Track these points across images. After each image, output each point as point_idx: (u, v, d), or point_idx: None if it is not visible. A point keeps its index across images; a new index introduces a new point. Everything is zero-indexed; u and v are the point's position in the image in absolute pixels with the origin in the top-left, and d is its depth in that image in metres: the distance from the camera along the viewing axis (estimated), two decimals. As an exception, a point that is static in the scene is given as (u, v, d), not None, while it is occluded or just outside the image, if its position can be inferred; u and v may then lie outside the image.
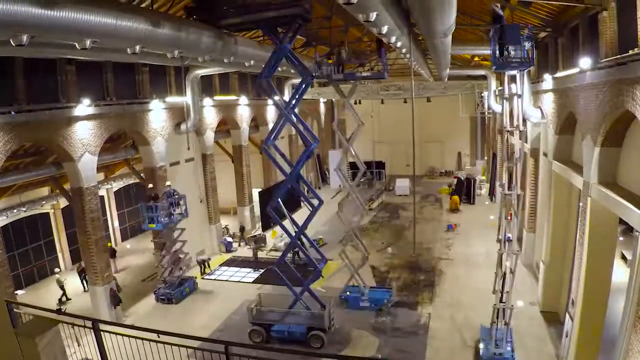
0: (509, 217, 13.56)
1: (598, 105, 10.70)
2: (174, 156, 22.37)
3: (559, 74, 15.12)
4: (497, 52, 12.06)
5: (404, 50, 17.93)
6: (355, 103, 42.82)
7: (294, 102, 16.07)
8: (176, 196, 19.54)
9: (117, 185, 27.16)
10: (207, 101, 24.37)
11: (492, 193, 35.01)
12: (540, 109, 17.54)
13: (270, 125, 16.38)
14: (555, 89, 15.42)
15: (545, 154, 18.14)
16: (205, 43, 13.01)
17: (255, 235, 26.37)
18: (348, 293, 18.15)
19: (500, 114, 31.02)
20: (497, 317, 13.14)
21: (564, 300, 15.29)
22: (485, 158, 42.50)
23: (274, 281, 18.96)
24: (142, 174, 21.85)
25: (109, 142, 19.28)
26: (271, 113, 31.69)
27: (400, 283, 20.22)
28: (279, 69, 17.02)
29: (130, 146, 21.32)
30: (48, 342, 5.12)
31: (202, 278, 21.88)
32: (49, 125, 15.24)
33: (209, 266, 22.90)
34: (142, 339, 5.41)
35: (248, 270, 22.70)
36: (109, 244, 25.35)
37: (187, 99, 21.35)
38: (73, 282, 21.91)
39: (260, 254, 24.31)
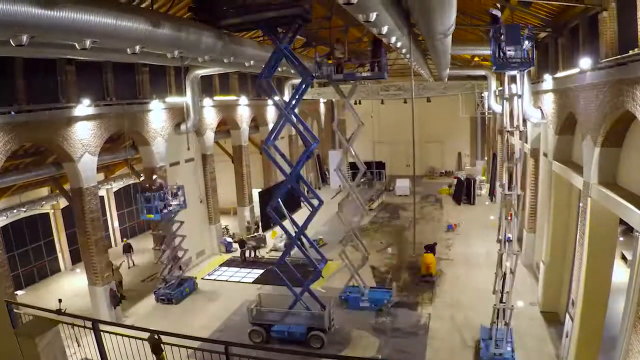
0: (509, 218, 13.56)
1: (598, 105, 10.70)
2: (173, 156, 22.37)
3: (559, 74, 15.11)
4: (497, 52, 12.08)
5: (404, 51, 17.93)
6: (355, 103, 42.86)
7: (294, 102, 16.07)
8: (174, 187, 19.43)
9: (117, 185, 27.15)
10: (207, 101, 24.37)
11: (492, 193, 35.01)
12: (541, 109, 17.54)
13: (270, 126, 16.37)
14: (556, 89, 15.42)
15: (545, 154, 18.14)
16: (205, 43, 13.01)
17: (255, 236, 26.37)
18: (348, 293, 18.14)
19: (501, 114, 31.10)
20: (497, 318, 13.14)
21: (564, 301, 15.28)
22: (486, 158, 42.50)
23: (274, 281, 18.95)
24: (142, 174, 21.85)
25: (109, 143, 19.27)
26: (271, 113, 31.68)
27: (400, 283, 20.19)
28: (279, 69, 17.00)
29: (130, 146, 21.32)
30: (48, 343, 5.12)
31: (204, 277, 21.90)
32: (49, 126, 15.23)
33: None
34: (142, 339, 5.41)
35: (248, 270, 22.70)
36: (124, 240, 25.64)
37: (187, 99, 21.35)
38: (73, 283, 21.95)
39: (258, 254, 24.31)
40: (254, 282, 21.27)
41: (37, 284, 22.34)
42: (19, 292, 19.24)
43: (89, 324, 5.44)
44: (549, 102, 16.46)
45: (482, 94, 36.08)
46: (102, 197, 25.09)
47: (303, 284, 15.76)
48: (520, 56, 12.03)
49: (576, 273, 12.56)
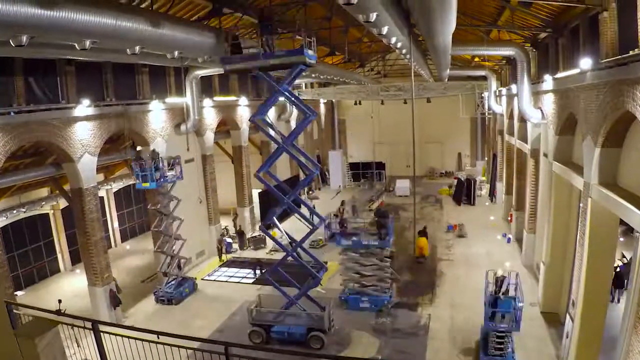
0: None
1: (598, 105, 10.69)
2: (173, 157, 22.35)
3: (560, 75, 15.12)
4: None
5: (404, 51, 17.94)
6: (355, 104, 43.03)
7: (293, 136, 16.02)
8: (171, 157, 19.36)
9: (116, 186, 27.13)
10: (207, 102, 24.37)
11: (492, 194, 35.01)
12: (541, 110, 17.55)
13: (270, 129, 16.46)
14: (556, 90, 15.42)
15: (545, 155, 18.13)
16: (206, 44, 13.02)
17: (255, 236, 26.36)
18: (348, 294, 18.13)
19: (501, 115, 31.19)
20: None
21: (565, 301, 15.27)
22: (486, 159, 42.52)
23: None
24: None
25: (109, 143, 19.27)
26: (271, 114, 31.66)
27: (401, 284, 20.18)
28: (279, 71, 16.97)
29: (130, 147, 21.31)
30: (48, 343, 5.11)
31: (202, 279, 21.90)
32: (49, 126, 15.22)
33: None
34: (142, 340, 5.39)
35: (248, 270, 22.68)
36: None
37: (186, 99, 21.35)
38: (73, 284, 21.93)
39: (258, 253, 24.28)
40: (254, 283, 21.25)
41: (36, 284, 22.32)
42: (19, 293, 19.23)
43: (88, 324, 5.42)
44: (549, 102, 16.45)
45: (482, 95, 36.11)
46: (101, 198, 25.08)
47: (301, 288, 15.80)
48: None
49: (576, 274, 12.55)
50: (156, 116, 20.59)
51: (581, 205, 12.34)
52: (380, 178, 43.68)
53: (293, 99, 15.80)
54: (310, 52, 14.03)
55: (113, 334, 5.55)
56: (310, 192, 38.89)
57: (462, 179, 35.77)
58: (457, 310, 17.31)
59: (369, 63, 41.76)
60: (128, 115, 18.70)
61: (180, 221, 20.08)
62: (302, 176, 29.81)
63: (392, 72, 43.27)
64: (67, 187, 18.60)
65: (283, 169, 33.02)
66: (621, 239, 17.26)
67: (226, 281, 21.79)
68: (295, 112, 34.91)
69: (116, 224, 28.37)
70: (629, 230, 17.46)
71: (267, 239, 25.92)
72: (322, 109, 44.93)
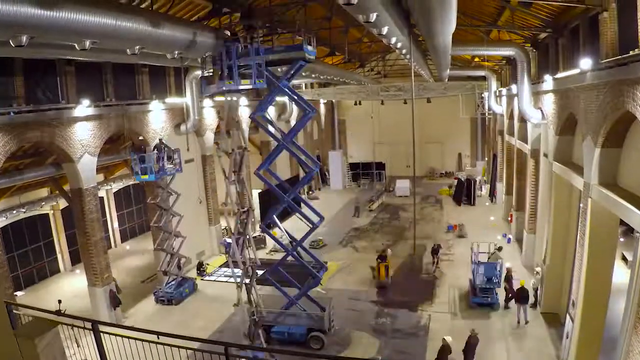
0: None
1: (598, 106, 10.69)
2: (173, 157, 22.36)
3: (560, 75, 15.11)
4: None
5: (404, 51, 17.94)
6: (355, 104, 43.04)
7: (293, 133, 16.10)
8: (167, 149, 19.17)
9: (116, 186, 27.12)
10: (207, 102, 24.37)
11: (492, 194, 35.00)
12: (541, 110, 17.55)
13: (270, 126, 16.40)
14: (556, 90, 15.41)
15: (545, 155, 18.12)
16: (205, 44, 13.02)
17: (255, 237, 26.32)
18: None
19: (501, 115, 31.19)
20: None
21: (565, 302, 15.26)
22: (486, 159, 42.52)
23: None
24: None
25: (109, 143, 19.27)
26: (271, 113, 31.67)
27: (401, 285, 20.17)
28: (278, 69, 16.97)
29: (130, 147, 21.30)
30: (47, 344, 5.10)
31: (202, 279, 21.87)
32: (49, 126, 15.22)
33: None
34: (142, 340, 5.38)
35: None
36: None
37: (186, 99, 21.34)
38: (72, 284, 21.92)
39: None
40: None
41: (36, 284, 22.31)
42: (19, 293, 19.21)
43: (88, 324, 5.41)
44: (549, 102, 16.45)
45: (483, 95, 36.13)
46: (101, 198, 25.07)
47: (301, 287, 15.79)
48: None
49: (576, 274, 12.55)
50: (156, 116, 20.59)
51: (581, 205, 12.33)
52: (380, 178, 43.70)
53: (292, 94, 15.79)
54: (309, 47, 14.02)
55: (113, 334, 5.54)
56: (310, 192, 38.90)
57: (462, 179, 35.79)
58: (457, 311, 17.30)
59: (369, 63, 41.78)
60: (128, 116, 18.71)
61: (179, 217, 20.06)
62: (302, 176, 29.75)
63: (392, 72, 43.30)
64: (67, 187, 18.59)
65: (283, 168, 33.03)
66: (621, 239, 17.25)
67: (226, 281, 21.76)
68: (295, 111, 34.91)
69: (116, 224, 28.36)
70: (629, 231, 17.44)
71: (267, 239, 26.01)
72: (322, 109, 44.92)
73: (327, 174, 42.97)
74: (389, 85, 36.76)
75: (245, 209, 14.01)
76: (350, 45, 27.28)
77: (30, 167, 17.99)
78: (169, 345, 5.23)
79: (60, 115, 15.62)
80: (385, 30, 11.58)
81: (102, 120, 17.45)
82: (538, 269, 17.47)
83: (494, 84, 30.87)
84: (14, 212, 19.96)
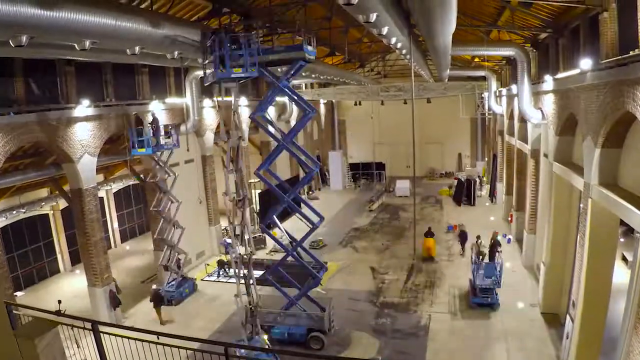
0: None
1: (599, 106, 10.69)
2: (173, 157, 22.30)
3: (560, 75, 15.12)
4: None
5: (404, 51, 17.95)
6: (355, 104, 43.05)
7: (293, 133, 16.07)
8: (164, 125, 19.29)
9: (116, 186, 27.12)
10: (207, 102, 24.36)
11: (492, 194, 35.00)
12: (541, 110, 17.54)
13: (270, 126, 16.40)
14: (556, 90, 15.41)
15: (545, 155, 18.12)
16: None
17: (255, 237, 26.31)
18: None
19: (501, 115, 31.19)
20: None
21: (565, 302, 15.25)
22: (486, 159, 42.52)
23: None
24: (141, 175, 21.81)
25: (109, 143, 19.25)
26: (271, 113, 31.66)
27: (401, 285, 20.17)
28: (278, 69, 16.97)
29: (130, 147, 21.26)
30: (47, 344, 5.09)
31: (202, 280, 21.88)
32: (48, 127, 15.21)
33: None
34: (142, 340, 5.38)
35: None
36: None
37: (186, 100, 21.34)
38: (72, 284, 21.91)
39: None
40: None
41: (36, 285, 22.30)
42: (19, 293, 19.20)
43: (88, 325, 5.41)
44: (549, 103, 16.45)
45: (482, 95, 36.15)
46: (101, 198, 25.06)
47: (301, 288, 15.78)
48: None
49: (577, 274, 12.54)
50: (156, 116, 20.54)
51: (581, 205, 12.33)
52: (380, 178, 43.69)
53: (292, 94, 15.78)
54: (309, 47, 14.02)
55: (113, 334, 5.54)
56: (310, 192, 38.90)
57: (462, 180, 35.79)
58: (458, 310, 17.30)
59: (369, 63, 41.79)
60: (128, 116, 18.69)
61: (178, 203, 20.08)
62: (302, 176, 29.74)
63: (392, 72, 43.32)
64: (66, 187, 18.58)
65: (283, 168, 33.01)
66: (621, 240, 17.25)
67: (226, 282, 21.74)
68: (295, 112, 34.89)
69: (116, 225, 28.35)
70: (629, 231, 17.44)
71: (267, 239, 26.01)
72: (322, 109, 44.91)
73: (327, 174, 42.96)
74: (389, 85, 36.75)
75: (242, 197, 13.95)
76: (350, 46, 27.30)
77: (30, 167, 17.97)
78: (168, 345, 5.23)
79: (60, 116, 15.61)
80: (385, 30, 11.59)
81: (102, 120, 17.44)
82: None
83: (494, 84, 30.87)
84: (14, 212, 19.95)
